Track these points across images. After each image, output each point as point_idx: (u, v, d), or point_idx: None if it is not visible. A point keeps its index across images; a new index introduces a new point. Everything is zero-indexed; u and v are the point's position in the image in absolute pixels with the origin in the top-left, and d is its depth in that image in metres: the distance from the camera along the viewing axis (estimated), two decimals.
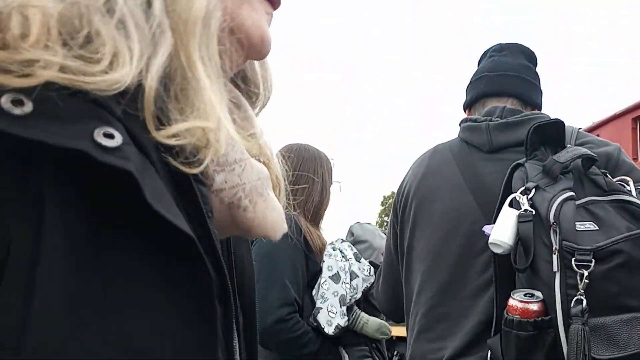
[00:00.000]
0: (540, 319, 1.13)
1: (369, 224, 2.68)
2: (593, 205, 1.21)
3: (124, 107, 0.41)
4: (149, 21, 0.43)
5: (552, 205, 1.17)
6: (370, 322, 2.11)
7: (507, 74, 1.64)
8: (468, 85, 1.75)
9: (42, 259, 0.33)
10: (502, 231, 1.21)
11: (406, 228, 1.64)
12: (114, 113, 0.39)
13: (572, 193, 1.21)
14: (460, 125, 1.65)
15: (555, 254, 1.13)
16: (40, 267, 0.33)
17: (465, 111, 1.76)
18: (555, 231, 1.14)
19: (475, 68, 1.77)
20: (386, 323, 2.18)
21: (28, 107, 0.34)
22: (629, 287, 1.10)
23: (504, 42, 1.73)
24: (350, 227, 2.59)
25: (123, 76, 0.40)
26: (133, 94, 0.41)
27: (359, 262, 2.18)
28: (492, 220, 1.33)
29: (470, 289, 1.43)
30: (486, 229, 1.28)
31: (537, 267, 1.16)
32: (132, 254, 0.38)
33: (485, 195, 1.46)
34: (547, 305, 1.14)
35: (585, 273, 1.07)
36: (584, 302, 1.08)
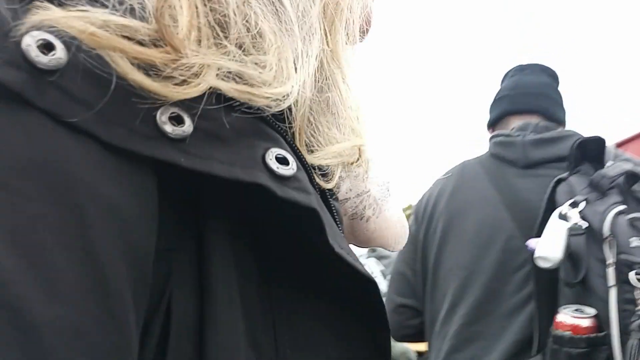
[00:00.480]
0: (594, 335, 1.09)
1: None
2: (639, 222, 1.19)
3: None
4: (299, 15, 0.34)
5: (606, 218, 1.14)
6: (396, 347, 2.05)
7: (530, 92, 1.64)
8: (491, 105, 1.74)
9: (210, 322, 0.28)
10: (551, 245, 1.18)
11: (432, 244, 1.59)
12: (279, 130, 0.33)
13: (624, 207, 1.18)
14: (490, 140, 1.63)
15: (611, 267, 1.09)
16: (210, 332, 0.28)
17: (489, 129, 1.75)
18: (609, 245, 1.11)
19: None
20: (410, 348, 2.12)
21: (188, 126, 0.27)
22: None
23: (526, 63, 1.73)
24: None
25: (292, 86, 0.32)
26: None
27: (385, 279, 2.13)
28: (531, 235, 1.30)
29: (506, 307, 1.38)
30: (530, 243, 1.24)
31: (589, 281, 1.13)
32: (307, 296, 0.33)
33: (521, 211, 1.43)
34: (601, 320, 1.10)
35: None
36: None
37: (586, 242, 1.14)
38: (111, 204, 0.24)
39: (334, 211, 0.39)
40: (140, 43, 0.27)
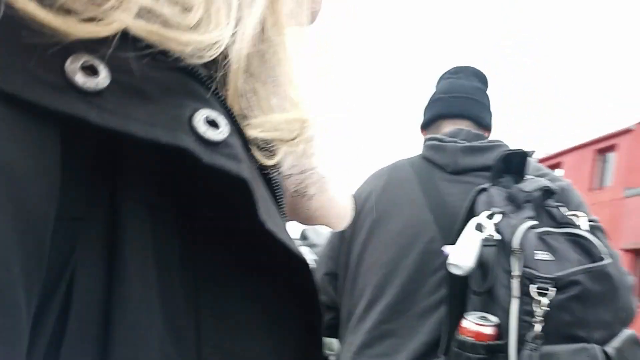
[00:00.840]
0: (494, 342, 1.14)
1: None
2: (548, 236, 1.25)
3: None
4: None
5: (517, 232, 1.19)
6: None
7: (462, 96, 1.68)
8: (426, 107, 1.78)
9: (117, 306, 0.25)
10: (464, 253, 1.22)
11: (357, 241, 1.62)
12: (209, 89, 0.29)
13: (535, 222, 1.24)
14: (424, 143, 1.66)
15: (515, 279, 1.14)
16: (117, 316, 0.25)
17: (422, 131, 1.79)
18: (518, 258, 1.16)
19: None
20: (333, 339, 2.14)
21: (103, 77, 0.24)
22: (581, 318, 1.13)
23: (459, 66, 1.78)
24: (303, 230, 2.53)
25: (221, 37, 0.29)
26: (214, 64, 0.31)
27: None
28: (451, 240, 1.34)
29: (420, 308, 1.42)
30: (446, 249, 1.28)
31: (495, 291, 1.18)
32: (235, 278, 0.30)
33: (444, 215, 1.47)
34: (502, 330, 1.15)
35: (546, 301, 1.09)
36: (538, 328, 1.09)
37: (496, 253, 1.19)
38: (0, 162, 0.21)
39: (276, 186, 0.36)
40: None
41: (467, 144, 1.55)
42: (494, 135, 1.71)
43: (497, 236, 1.22)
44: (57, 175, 0.23)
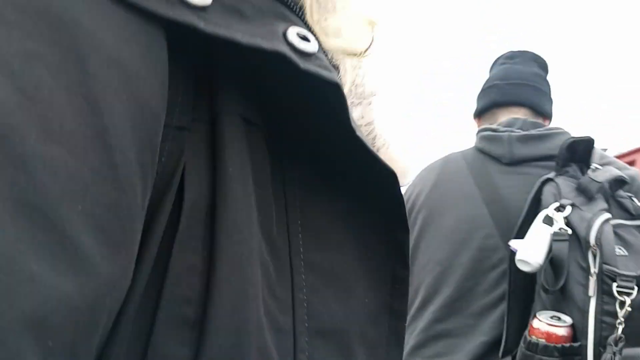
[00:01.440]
0: (568, 344, 1.06)
1: None
2: (622, 229, 1.16)
3: None
4: None
5: (593, 226, 1.10)
6: None
7: (519, 83, 1.58)
8: (479, 94, 1.69)
9: (222, 206, 0.27)
10: (533, 249, 1.14)
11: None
12: (295, 13, 0.31)
13: (609, 215, 1.15)
14: (477, 134, 1.58)
15: (593, 277, 1.06)
16: (221, 215, 0.27)
17: (475, 119, 1.71)
18: (594, 254, 1.08)
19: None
20: None
21: None
22: None
23: (516, 50, 1.68)
24: None
25: None
26: None
27: None
28: (509, 234, 1.26)
29: (477, 306, 1.34)
30: (512, 244, 1.20)
31: (569, 289, 1.09)
32: (321, 193, 0.31)
33: (501, 209, 1.39)
34: (577, 331, 1.07)
35: (628, 300, 1.00)
36: (619, 330, 1.01)
37: (569, 248, 1.11)
38: (115, 59, 0.22)
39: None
40: None
41: (524, 132, 1.46)
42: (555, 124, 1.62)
43: (569, 230, 1.13)
44: (166, 80, 0.25)
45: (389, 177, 0.31)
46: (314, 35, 0.31)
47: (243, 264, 0.26)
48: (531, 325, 1.11)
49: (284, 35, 0.28)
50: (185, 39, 0.26)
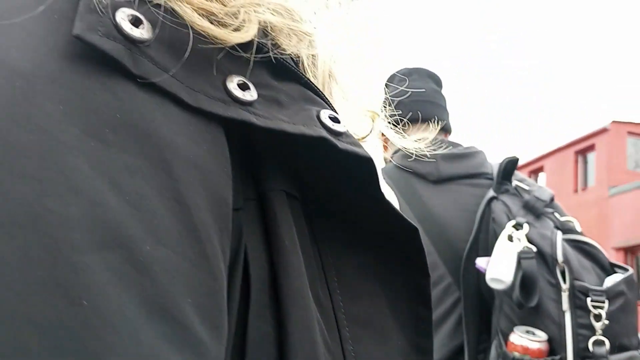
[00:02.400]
0: (550, 358, 1.12)
1: None
2: (578, 243, 1.26)
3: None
4: None
5: (557, 243, 1.18)
6: None
7: (423, 100, 1.61)
8: None
9: (282, 274, 0.29)
10: (503, 267, 1.18)
11: None
12: (320, 95, 0.35)
13: (561, 232, 1.24)
14: (396, 152, 1.60)
15: (565, 292, 1.13)
16: (282, 283, 0.29)
17: (382, 137, 1.72)
18: (561, 270, 1.15)
19: None
20: None
21: (253, 91, 0.29)
22: (625, 326, 1.15)
23: (411, 67, 1.73)
24: None
25: (314, 29, 0.36)
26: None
27: None
28: (448, 253, 1.31)
29: None
30: (479, 262, 1.24)
31: (542, 305, 1.16)
32: (351, 250, 0.35)
33: (435, 226, 1.42)
34: (555, 344, 1.14)
35: (604, 314, 1.09)
36: (601, 340, 1.09)
37: (537, 265, 1.17)
38: (192, 160, 0.25)
39: None
40: None
41: (447, 151, 1.52)
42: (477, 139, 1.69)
43: (533, 248, 1.20)
44: (230, 170, 0.27)
45: (412, 232, 0.35)
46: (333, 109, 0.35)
47: (310, 327, 0.29)
48: (510, 342, 1.16)
49: (318, 117, 0.31)
50: (231, 127, 0.29)
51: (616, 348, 1.13)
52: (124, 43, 0.25)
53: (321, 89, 0.36)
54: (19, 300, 0.19)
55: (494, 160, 1.55)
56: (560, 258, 1.16)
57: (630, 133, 12.75)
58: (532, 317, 1.18)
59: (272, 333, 0.28)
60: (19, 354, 0.18)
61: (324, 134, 0.30)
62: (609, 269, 1.24)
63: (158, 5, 0.27)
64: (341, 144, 0.31)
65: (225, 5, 0.30)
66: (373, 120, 0.43)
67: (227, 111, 0.27)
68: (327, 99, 0.35)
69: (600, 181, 12.25)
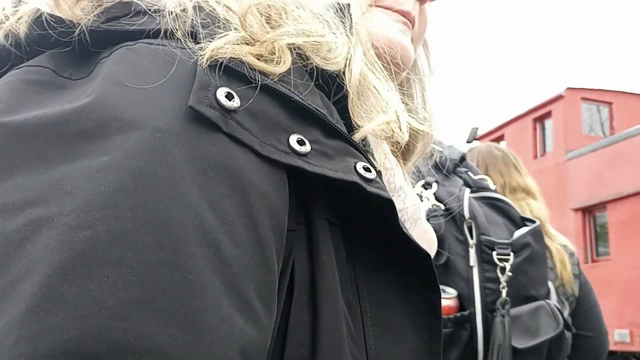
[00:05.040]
0: (459, 314, 1.12)
1: None
2: (487, 200, 1.26)
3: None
4: (344, 22, 0.49)
5: (464, 200, 1.18)
6: None
7: None
8: None
9: (319, 279, 0.39)
10: None
11: None
12: (358, 149, 0.45)
13: (469, 189, 1.23)
14: None
15: (472, 248, 1.13)
16: (319, 286, 0.39)
17: None
18: (469, 226, 1.15)
19: None
20: None
21: (308, 146, 0.40)
22: (532, 278, 1.16)
23: None
24: None
25: (344, 49, 0.47)
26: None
27: None
28: None
29: None
30: None
31: (450, 262, 1.15)
32: (379, 269, 0.44)
33: None
34: (464, 299, 1.14)
35: (508, 266, 1.09)
36: (504, 294, 1.09)
37: (445, 223, 1.17)
38: (262, 192, 0.36)
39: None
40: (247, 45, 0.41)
41: None
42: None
43: (441, 206, 1.19)
44: (288, 202, 0.38)
45: (426, 257, 0.44)
46: (373, 166, 0.44)
47: (337, 320, 0.39)
48: None
49: (354, 168, 0.41)
50: (291, 171, 0.39)
51: (522, 299, 1.14)
52: (220, 111, 0.36)
53: (355, 97, 0.47)
54: (150, 269, 0.30)
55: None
56: (467, 214, 1.16)
57: (584, 99, 13.00)
58: (442, 274, 1.17)
59: (307, 321, 0.38)
60: (148, 299, 0.29)
61: (357, 179, 0.40)
62: (520, 223, 1.24)
63: (243, 77, 0.39)
64: (369, 188, 0.40)
65: (262, 42, 0.41)
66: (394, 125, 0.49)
67: (287, 159, 0.38)
68: (364, 151, 0.45)
69: (558, 146, 12.45)
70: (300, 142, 0.40)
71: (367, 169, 0.42)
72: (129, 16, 0.41)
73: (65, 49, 0.39)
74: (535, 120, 13.76)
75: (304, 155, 0.39)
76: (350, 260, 0.43)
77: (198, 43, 0.39)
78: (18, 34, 0.40)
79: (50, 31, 0.39)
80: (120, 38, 0.39)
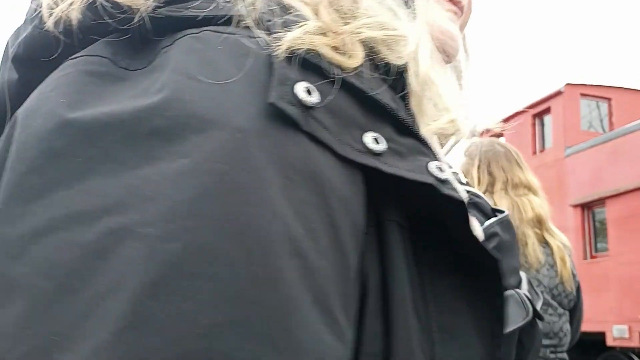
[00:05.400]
0: None
1: None
2: None
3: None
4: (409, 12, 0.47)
5: None
6: None
7: None
8: None
9: (391, 286, 0.37)
10: None
11: None
12: (429, 147, 0.42)
13: None
14: None
15: None
16: (391, 293, 0.37)
17: None
18: None
19: None
20: None
21: (384, 145, 0.37)
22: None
23: None
24: None
25: (413, 40, 0.44)
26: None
27: None
28: None
29: None
30: None
31: None
32: (443, 272, 0.41)
33: None
34: None
35: None
36: None
37: None
38: (342, 196, 0.34)
39: None
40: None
41: None
42: None
43: None
44: (364, 204, 0.36)
45: (493, 261, 0.41)
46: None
47: (409, 329, 0.37)
48: None
49: (427, 168, 0.39)
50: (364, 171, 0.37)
51: None
52: (301, 108, 0.34)
53: (419, 92, 0.44)
54: (242, 284, 0.28)
55: None
56: None
57: (583, 95, 12.96)
58: None
59: (380, 330, 0.36)
60: (243, 301, 0.28)
61: (431, 181, 0.37)
62: (491, 214, 1.24)
63: (319, 71, 0.36)
64: (444, 190, 0.38)
65: (338, 34, 0.39)
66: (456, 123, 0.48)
67: (364, 159, 0.36)
68: (434, 150, 0.42)
69: (557, 142, 12.41)
70: (376, 141, 0.37)
71: (440, 169, 0.39)
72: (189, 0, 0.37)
73: (121, 37, 0.36)
74: (535, 116, 13.73)
75: (379, 154, 0.36)
76: (416, 263, 0.40)
77: (268, 32, 0.36)
78: (70, 21, 0.37)
79: (107, 18, 0.36)
80: (182, 25, 0.36)
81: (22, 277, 0.27)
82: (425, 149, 0.41)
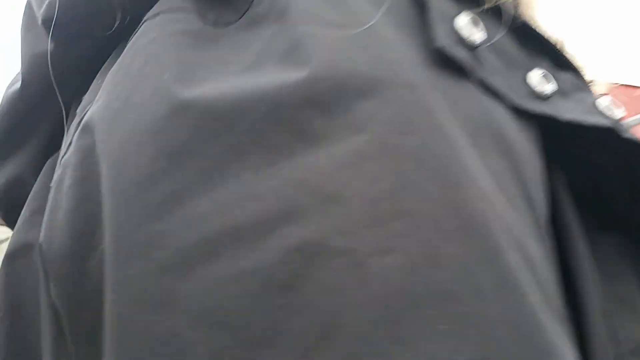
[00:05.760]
0: None
1: None
2: None
3: None
4: None
5: None
6: None
7: None
8: None
9: (572, 255, 0.30)
10: None
11: None
12: (582, 76, 0.35)
13: None
14: None
15: None
16: (574, 263, 0.30)
17: None
18: None
19: None
20: None
21: (553, 85, 0.30)
22: None
23: None
24: None
25: None
26: None
27: None
28: None
29: None
30: None
31: None
32: (602, 230, 0.34)
33: None
34: None
35: None
36: None
37: None
38: (529, 160, 0.27)
39: None
40: None
41: None
42: None
43: None
44: (544, 161, 0.29)
45: None
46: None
47: (596, 303, 0.30)
48: None
49: (595, 106, 0.31)
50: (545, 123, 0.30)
51: None
52: (468, 49, 0.27)
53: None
54: (484, 301, 0.20)
55: None
56: None
57: None
58: None
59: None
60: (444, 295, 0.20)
61: (606, 122, 0.30)
62: None
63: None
64: (622, 133, 0.30)
65: None
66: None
67: (538, 107, 0.29)
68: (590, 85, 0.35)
69: None
70: (544, 80, 0.29)
71: (609, 107, 0.32)
72: None
73: None
74: None
75: (548, 97, 0.29)
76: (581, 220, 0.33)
77: None
78: None
79: None
80: None
81: (180, 339, 0.19)
82: (584, 85, 0.33)
